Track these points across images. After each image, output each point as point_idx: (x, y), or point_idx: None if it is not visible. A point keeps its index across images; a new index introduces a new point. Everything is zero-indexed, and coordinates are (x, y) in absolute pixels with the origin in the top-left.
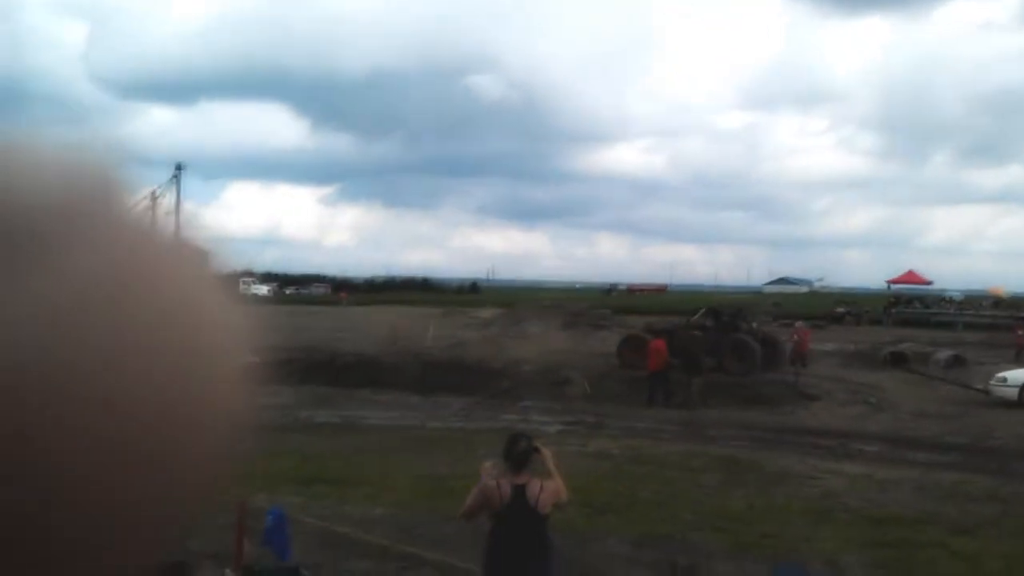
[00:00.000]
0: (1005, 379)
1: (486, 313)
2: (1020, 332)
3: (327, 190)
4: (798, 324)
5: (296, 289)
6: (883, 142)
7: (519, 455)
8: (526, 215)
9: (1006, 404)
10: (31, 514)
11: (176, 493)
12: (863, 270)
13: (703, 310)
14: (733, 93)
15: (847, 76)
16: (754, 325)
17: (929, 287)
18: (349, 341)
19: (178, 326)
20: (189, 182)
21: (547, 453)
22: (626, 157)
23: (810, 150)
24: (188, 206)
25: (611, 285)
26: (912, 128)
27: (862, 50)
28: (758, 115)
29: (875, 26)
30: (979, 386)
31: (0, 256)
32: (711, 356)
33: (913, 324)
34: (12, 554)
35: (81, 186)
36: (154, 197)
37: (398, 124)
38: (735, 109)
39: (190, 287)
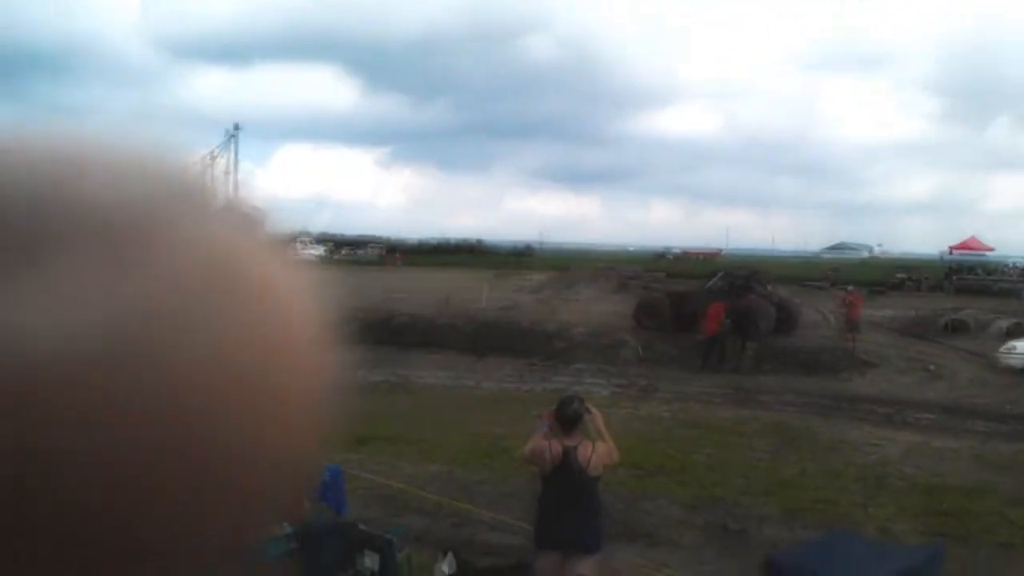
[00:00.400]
0: (1014, 347)
1: (539, 276)
2: None
3: (380, 152)
4: (850, 288)
5: (351, 251)
6: (945, 105)
7: (570, 417)
8: (578, 178)
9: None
10: (171, 493)
11: (285, 468)
12: (923, 236)
13: (720, 273)
14: (791, 54)
15: (908, 37)
16: (768, 288)
17: (991, 254)
18: (404, 302)
19: (271, 314)
20: (245, 143)
21: (598, 415)
22: (681, 119)
23: (870, 113)
24: (244, 167)
25: (664, 249)
26: (974, 91)
27: (923, 9)
28: (817, 77)
29: None
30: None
31: (101, 253)
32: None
33: (975, 292)
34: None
35: (171, 182)
36: (212, 158)
37: (450, 87)
38: (793, 71)
39: (279, 278)
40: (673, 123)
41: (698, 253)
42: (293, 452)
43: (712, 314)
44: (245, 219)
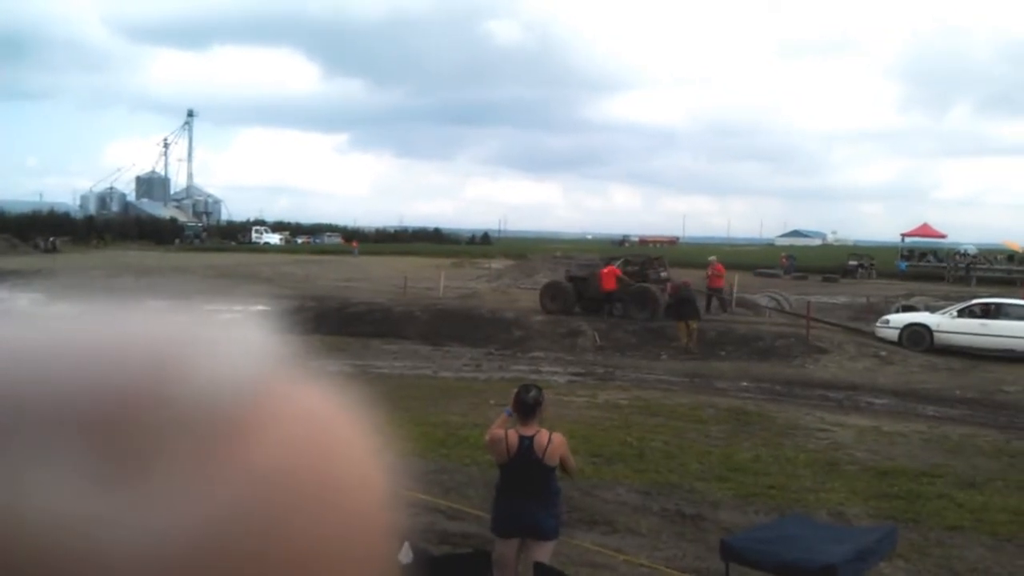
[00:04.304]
0: (888, 321)
1: (498, 264)
2: None
3: (339, 138)
4: (711, 259)
5: (308, 239)
6: (903, 92)
7: (530, 403)
8: (539, 165)
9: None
10: None
11: None
12: (878, 223)
13: (621, 259)
14: (753, 41)
15: (871, 23)
16: (663, 274)
17: (943, 240)
18: (360, 290)
19: (351, 502)
20: (201, 128)
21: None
22: (642, 106)
23: (829, 100)
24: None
25: (623, 237)
26: (934, 78)
27: None
28: (779, 63)
29: None
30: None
31: (191, 447)
32: (621, 303)
33: (927, 278)
34: None
35: (255, 371)
36: (166, 144)
37: (411, 72)
38: (755, 57)
39: (355, 462)
40: (635, 110)
41: (655, 240)
42: None
43: (606, 273)
44: (325, 400)
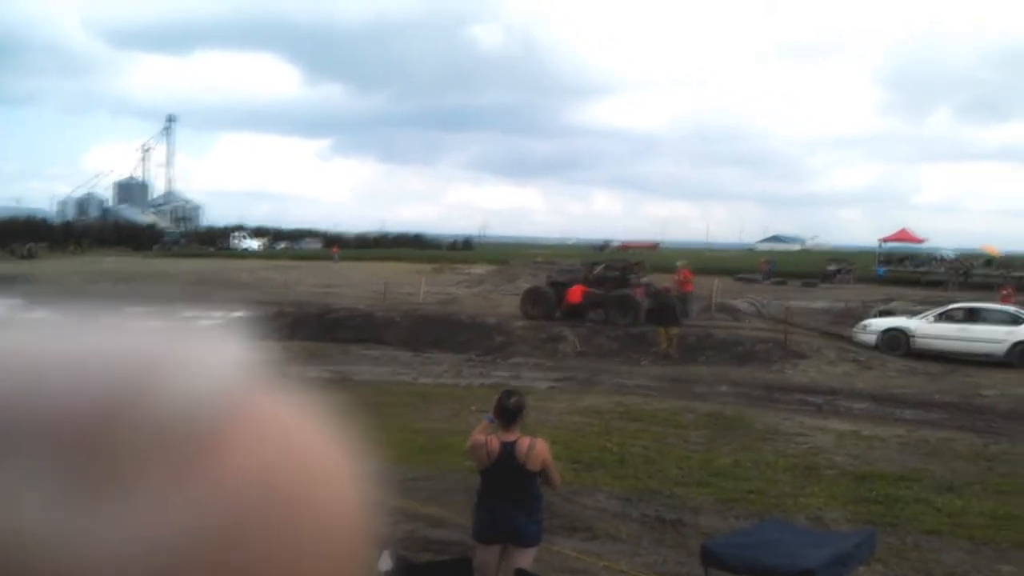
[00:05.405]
0: (866, 326)
1: (479, 269)
2: (1005, 292)
3: (320, 143)
4: (679, 264)
5: (288, 244)
6: (883, 97)
7: (511, 409)
8: (521, 171)
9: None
10: None
11: None
12: (857, 228)
13: (603, 265)
14: (736, 47)
15: (854, 29)
16: (643, 280)
17: (921, 245)
18: (340, 296)
19: (328, 519)
20: (181, 133)
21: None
22: (624, 111)
23: (810, 105)
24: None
25: (604, 242)
26: (914, 83)
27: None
28: (762, 68)
29: None
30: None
31: (171, 467)
32: (602, 309)
33: (905, 283)
34: None
35: (226, 380)
36: (146, 149)
37: (393, 77)
38: (738, 63)
39: (327, 470)
40: (616, 115)
41: (636, 246)
42: None
43: (573, 291)
44: (299, 414)
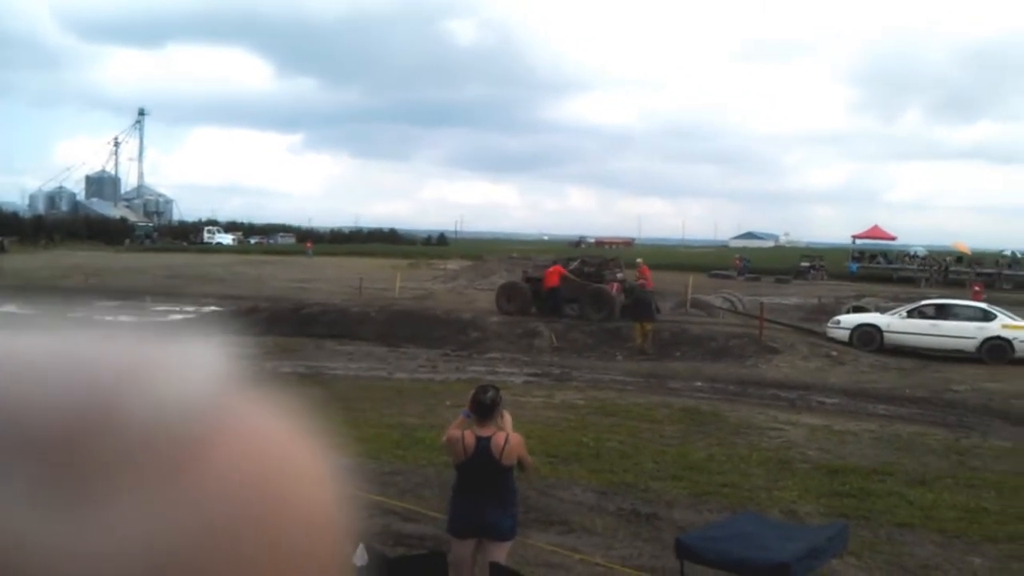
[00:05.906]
0: (839, 322)
1: (454, 265)
2: (976, 288)
3: (294, 137)
4: (639, 261)
5: (262, 239)
6: (855, 96)
7: (487, 404)
8: (496, 166)
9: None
10: None
11: None
12: (830, 225)
13: (578, 260)
14: (711, 43)
15: (825, 27)
16: (619, 275)
17: (893, 242)
18: (314, 291)
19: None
20: (153, 127)
21: (507, 417)
22: (599, 108)
23: (783, 103)
24: (152, 152)
25: (579, 238)
26: (885, 82)
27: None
28: (735, 66)
29: None
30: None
31: (149, 464)
32: (577, 303)
33: (877, 279)
34: None
35: (213, 396)
36: (117, 143)
37: (367, 71)
38: (713, 60)
39: (301, 477)
40: (592, 111)
41: (612, 242)
42: None
43: (550, 272)
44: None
